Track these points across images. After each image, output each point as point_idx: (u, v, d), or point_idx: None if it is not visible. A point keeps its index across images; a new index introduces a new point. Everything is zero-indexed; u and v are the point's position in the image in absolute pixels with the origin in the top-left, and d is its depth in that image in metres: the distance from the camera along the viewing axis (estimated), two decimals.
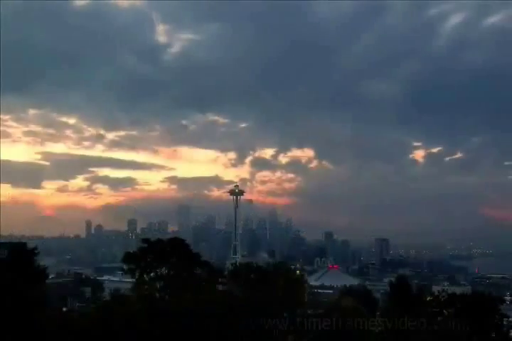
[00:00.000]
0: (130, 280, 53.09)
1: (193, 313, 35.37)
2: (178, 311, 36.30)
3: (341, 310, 47.24)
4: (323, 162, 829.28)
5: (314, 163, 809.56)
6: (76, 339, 33.58)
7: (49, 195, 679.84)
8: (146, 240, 48.63)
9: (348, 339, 41.73)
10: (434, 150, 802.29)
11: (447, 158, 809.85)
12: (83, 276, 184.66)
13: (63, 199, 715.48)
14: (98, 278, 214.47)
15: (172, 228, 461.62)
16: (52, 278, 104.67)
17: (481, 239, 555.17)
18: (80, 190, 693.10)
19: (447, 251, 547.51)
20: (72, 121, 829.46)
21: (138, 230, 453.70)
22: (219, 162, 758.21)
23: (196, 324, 34.88)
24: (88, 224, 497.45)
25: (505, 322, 49.41)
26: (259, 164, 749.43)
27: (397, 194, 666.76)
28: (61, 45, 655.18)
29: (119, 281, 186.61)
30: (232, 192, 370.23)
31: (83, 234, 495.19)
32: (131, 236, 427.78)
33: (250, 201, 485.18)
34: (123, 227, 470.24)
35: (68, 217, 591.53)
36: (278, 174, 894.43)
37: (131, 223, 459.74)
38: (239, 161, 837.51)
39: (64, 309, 79.58)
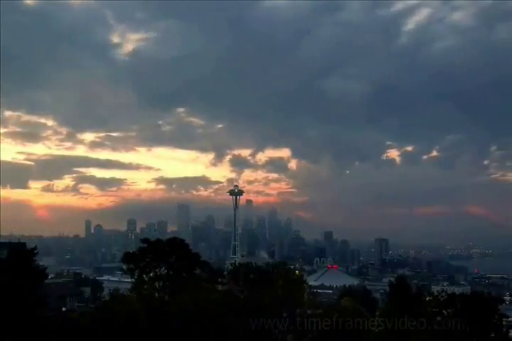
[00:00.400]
0: (129, 280, 53.12)
1: (192, 313, 35.37)
2: (177, 311, 36.30)
3: (341, 310, 47.24)
4: (303, 161, 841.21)
5: (296, 163, 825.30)
6: (76, 339, 33.57)
7: (38, 194, 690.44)
8: (145, 240, 48.60)
9: (347, 339, 41.73)
10: (410, 148, 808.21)
11: (425, 157, 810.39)
12: (82, 276, 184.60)
13: (52, 199, 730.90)
14: (97, 278, 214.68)
15: (171, 228, 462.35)
16: (51, 278, 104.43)
17: (479, 239, 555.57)
18: (69, 190, 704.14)
19: (446, 251, 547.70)
20: (49, 122, 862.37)
21: (137, 230, 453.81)
22: (201, 162, 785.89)
23: (196, 324, 34.88)
24: (87, 223, 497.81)
25: (504, 323, 49.29)
26: (241, 163, 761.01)
27: (385, 193, 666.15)
28: (16, 45, 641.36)
29: (118, 281, 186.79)
30: (231, 193, 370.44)
31: (82, 234, 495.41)
32: (131, 236, 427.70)
33: (250, 201, 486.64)
34: (122, 227, 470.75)
35: (59, 217, 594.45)
36: (261, 173, 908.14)
37: (131, 223, 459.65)
38: (219, 161, 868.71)
39: (63, 309, 79.50)
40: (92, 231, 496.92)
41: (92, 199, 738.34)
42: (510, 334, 50.34)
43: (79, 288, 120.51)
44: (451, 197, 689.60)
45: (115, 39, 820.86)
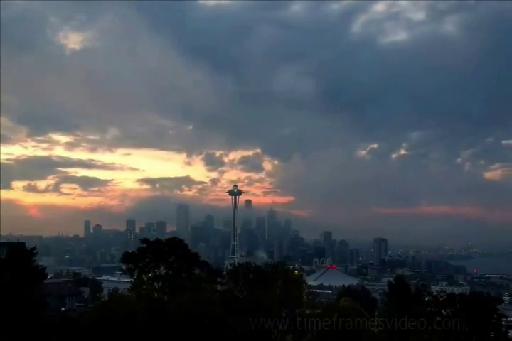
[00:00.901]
0: (129, 280, 53.10)
1: (191, 313, 35.35)
2: (176, 311, 36.29)
3: (340, 310, 47.24)
4: (276, 161, 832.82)
5: (271, 163, 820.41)
6: (75, 339, 33.54)
7: (24, 194, 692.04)
8: (144, 240, 48.57)
9: (347, 339, 41.74)
10: (376, 146, 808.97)
11: (394, 155, 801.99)
12: (82, 276, 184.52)
13: (40, 199, 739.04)
14: (97, 278, 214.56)
15: (170, 228, 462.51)
16: (50, 278, 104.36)
17: (478, 239, 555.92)
18: (57, 190, 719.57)
19: (446, 252, 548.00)
20: (18, 124, 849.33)
21: (136, 230, 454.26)
22: (176, 163, 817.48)
23: (195, 324, 34.86)
24: (87, 224, 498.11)
25: (503, 322, 49.39)
26: (217, 163, 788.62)
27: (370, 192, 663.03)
28: None
29: (117, 281, 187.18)
30: (231, 193, 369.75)
31: (82, 234, 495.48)
32: (130, 237, 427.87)
33: (249, 201, 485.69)
34: (121, 227, 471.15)
35: (49, 216, 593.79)
36: (239, 173, 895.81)
37: (130, 223, 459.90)
38: (194, 161, 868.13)
39: (62, 309, 79.42)
40: (91, 231, 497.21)
41: (83, 199, 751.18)
42: (509, 334, 50.50)
43: (78, 288, 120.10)
44: (448, 196, 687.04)
45: (62, 39, 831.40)
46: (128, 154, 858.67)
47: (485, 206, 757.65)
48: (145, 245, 47.11)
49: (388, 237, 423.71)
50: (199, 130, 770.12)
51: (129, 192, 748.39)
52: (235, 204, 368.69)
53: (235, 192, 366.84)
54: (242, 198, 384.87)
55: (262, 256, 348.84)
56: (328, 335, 41.68)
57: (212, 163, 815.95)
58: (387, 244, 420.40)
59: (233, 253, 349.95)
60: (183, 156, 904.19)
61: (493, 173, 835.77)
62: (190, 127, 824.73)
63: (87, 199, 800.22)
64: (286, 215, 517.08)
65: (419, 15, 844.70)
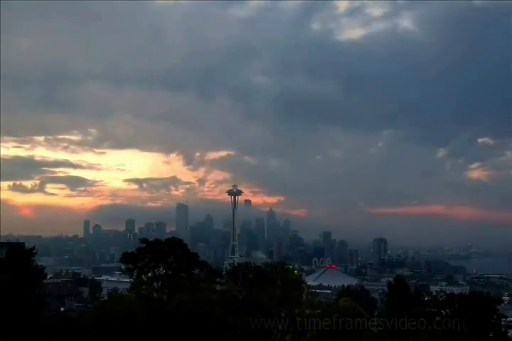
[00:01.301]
0: (128, 280, 53.10)
1: (191, 313, 35.35)
2: (176, 311, 36.28)
3: (339, 310, 47.25)
4: (259, 161, 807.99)
5: (256, 163, 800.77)
6: (75, 339, 33.53)
7: (12, 195, 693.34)
8: (144, 240, 48.59)
9: (346, 339, 41.77)
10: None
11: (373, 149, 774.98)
12: (81, 276, 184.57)
13: (30, 199, 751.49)
14: (96, 278, 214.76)
15: (170, 228, 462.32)
16: (50, 278, 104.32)
17: (478, 239, 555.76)
18: (45, 189, 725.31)
19: (445, 252, 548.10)
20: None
21: (136, 230, 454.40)
22: (156, 163, 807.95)
23: (194, 324, 34.86)
24: (86, 224, 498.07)
25: (503, 322, 49.41)
26: (197, 163, 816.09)
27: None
28: None
29: (117, 281, 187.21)
30: (230, 193, 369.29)
31: (81, 234, 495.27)
32: (129, 237, 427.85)
33: (248, 201, 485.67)
34: (121, 227, 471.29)
35: (41, 216, 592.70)
36: (222, 173, 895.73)
37: (129, 223, 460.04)
38: (173, 162, 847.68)
39: (62, 309, 79.40)
40: (91, 231, 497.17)
41: (76, 199, 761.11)
42: (508, 334, 50.54)
43: (77, 288, 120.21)
44: (447, 196, 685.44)
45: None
46: (104, 153, 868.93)
47: (484, 206, 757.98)
48: (144, 245, 47.12)
49: (387, 237, 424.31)
50: (177, 130, 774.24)
51: (118, 191, 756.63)
52: (235, 204, 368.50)
53: (235, 192, 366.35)
54: (240, 198, 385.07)
55: (261, 256, 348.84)
56: (328, 335, 41.69)
57: (193, 163, 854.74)
58: (386, 244, 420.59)
59: (233, 253, 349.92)
60: (162, 156, 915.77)
61: (480, 172, 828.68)
62: (168, 127, 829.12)
63: (80, 199, 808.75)
64: (284, 215, 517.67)
65: (379, 11, 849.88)
